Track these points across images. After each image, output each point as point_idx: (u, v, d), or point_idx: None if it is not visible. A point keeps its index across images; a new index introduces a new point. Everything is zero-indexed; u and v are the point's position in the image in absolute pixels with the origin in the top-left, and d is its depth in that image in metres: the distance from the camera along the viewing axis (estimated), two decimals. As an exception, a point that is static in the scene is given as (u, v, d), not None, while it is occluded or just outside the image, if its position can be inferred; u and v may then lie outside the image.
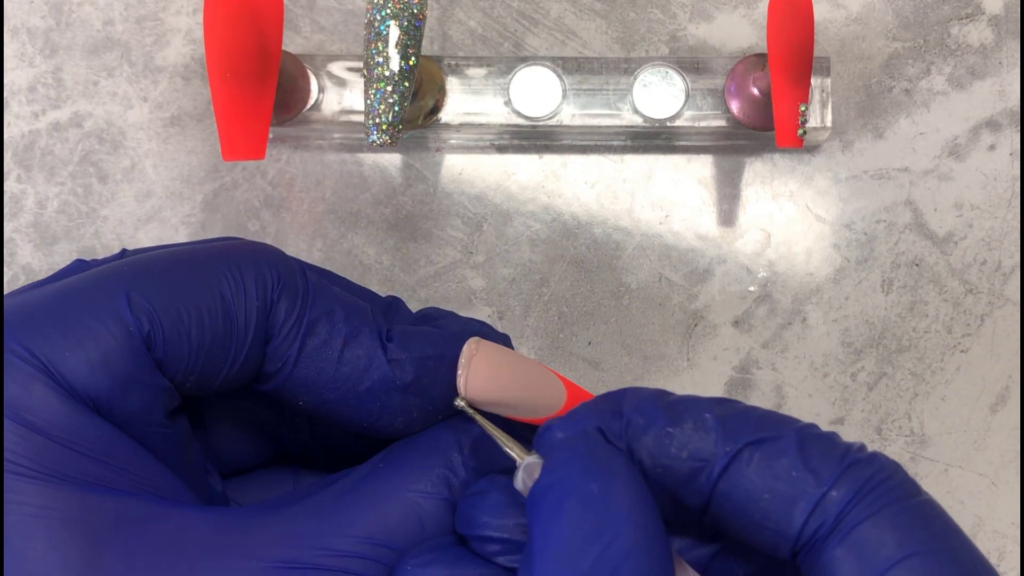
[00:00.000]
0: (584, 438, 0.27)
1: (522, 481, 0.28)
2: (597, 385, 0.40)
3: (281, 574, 0.27)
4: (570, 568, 0.24)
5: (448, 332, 0.31)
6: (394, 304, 0.33)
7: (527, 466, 0.28)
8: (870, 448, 0.26)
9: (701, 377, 0.40)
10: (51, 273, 0.39)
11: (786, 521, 0.25)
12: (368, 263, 0.40)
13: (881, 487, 0.25)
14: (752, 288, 0.40)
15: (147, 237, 0.39)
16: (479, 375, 0.30)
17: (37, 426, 0.26)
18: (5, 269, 0.39)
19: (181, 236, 0.39)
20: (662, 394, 0.28)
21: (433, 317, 0.33)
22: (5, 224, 0.39)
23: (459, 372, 0.30)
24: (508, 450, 0.29)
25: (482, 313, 0.40)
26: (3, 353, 0.26)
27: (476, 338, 0.31)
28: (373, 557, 0.28)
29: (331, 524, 0.28)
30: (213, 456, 0.33)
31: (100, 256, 0.37)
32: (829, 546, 0.25)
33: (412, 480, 0.29)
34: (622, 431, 0.27)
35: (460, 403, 0.30)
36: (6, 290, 0.39)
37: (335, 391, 0.30)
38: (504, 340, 0.34)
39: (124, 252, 0.33)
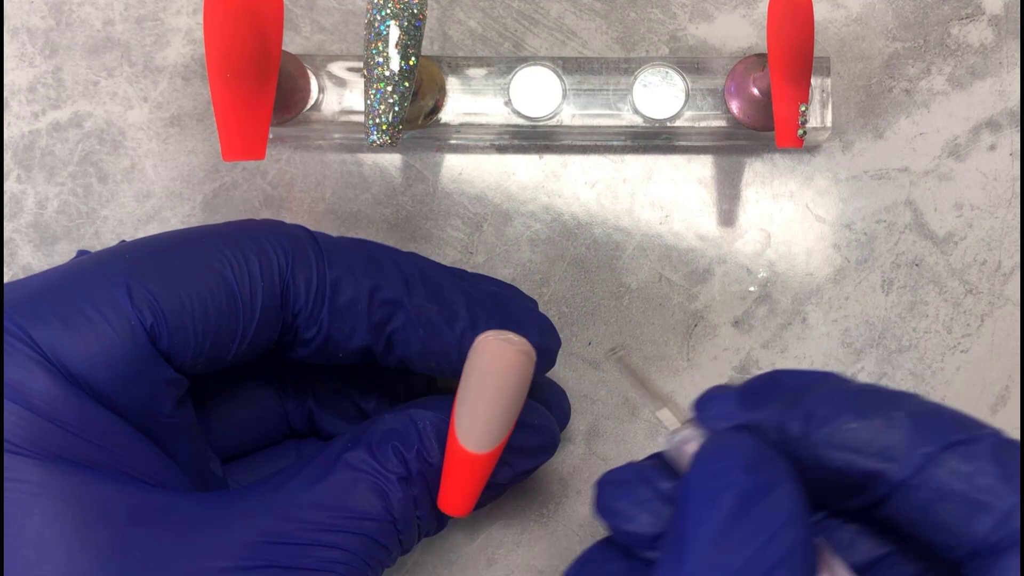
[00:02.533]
0: (751, 431, 0.26)
1: (673, 452, 0.27)
2: (597, 385, 0.40)
3: (261, 548, 0.27)
4: (723, 560, 0.24)
5: (482, 297, 0.32)
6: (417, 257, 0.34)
7: (681, 441, 0.27)
8: None
9: (701, 377, 0.40)
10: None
11: (971, 526, 0.25)
12: (368, 263, 0.40)
13: None
14: (752, 288, 0.40)
15: (147, 237, 0.40)
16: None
17: (39, 409, 0.26)
18: (5, 269, 0.39)
19: (181, 236, 0.40)
20: (844, 382, 0.27)
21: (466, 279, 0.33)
22: (5, 224, 0.39)
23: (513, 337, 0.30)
24: (662, 413, 0.28)
25: (482, 313, 0.40)
26: (3, 340, 0.26)
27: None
28: (345, 529, 0.28)
29: (302, 498, 0.28)
30: (217, 439, 0.33)
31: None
32: (1008, 555, 0.24)
33: (378, 456, 0.30)
34: (800, 419, 0.26)
35: (619, 352, 0.30)
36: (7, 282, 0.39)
37: (370, 340, 0.30)
38: (532, 305, 0.35)
39: (123, 244, 0.33)
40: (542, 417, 0.33)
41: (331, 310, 0.29)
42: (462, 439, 0.29)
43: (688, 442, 0.27)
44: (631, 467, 0.28)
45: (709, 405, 0.27)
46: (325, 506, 0.28)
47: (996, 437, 0.26)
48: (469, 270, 0.40)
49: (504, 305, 0.32)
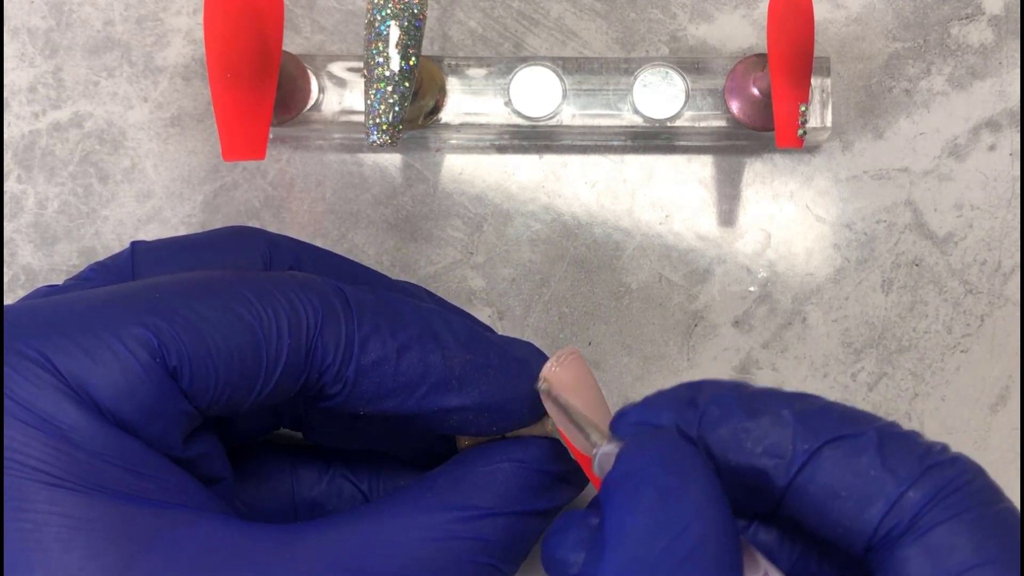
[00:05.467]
0: (661, 430, 0.27)
1: (599, 467, 0.28)
2: (597, 385, 0.40)
3: None
4: (640, 553, 0.24)
5: (513, 351, 0.32)
6: (420, 291, 0.34)
7: (604, 454, 0.28)
8: None
9: (701, 377, 0.40)
10: (51, 273, 0.39)
11: (861, 519, 0.25)
12: (368, 263, 0.40)
13: (962, 491, 0.25)
14: (752, 288, 0.40)
15: (147, 237, 0.39)
16: (569, 371, 0.31)
17: (74, 440, 0.26)
18: (5, 269, 0.39)
19: (181, 236, 0.39)
20: (740, 386, 0.28)
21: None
22: (5, 224, 0.39)
23: (551, 361, 0.31)
24: (588, 432, 0.29)
25: (482, 314, 0.40)
26: (3, 356, 0.26)
27: (574, 348, 0.31)
28: None
29: (365, 550, 0.28)
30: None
31: (102, 257, 0.37)
32: (902, 545, 0.25)
33: (454, 515, 0.30)
34: (696, 422, 0.27)
35: (543, 385, 0.30)
36: (6, 290, 0.39)
37: (394, 399, 0.30)
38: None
39: (133, 246, 0.33)
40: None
41: (357, 369, 0.29)
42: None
43: (611, 454, 0.28)
44: (565, 515, 0.29)
45: (621, 417, 0.28)
46: (390, 559, 0.28)
47: (880, 430, 0.26)
48: (470, 271, 0.40)
49: (515, 343, 0.33)
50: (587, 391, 0.31)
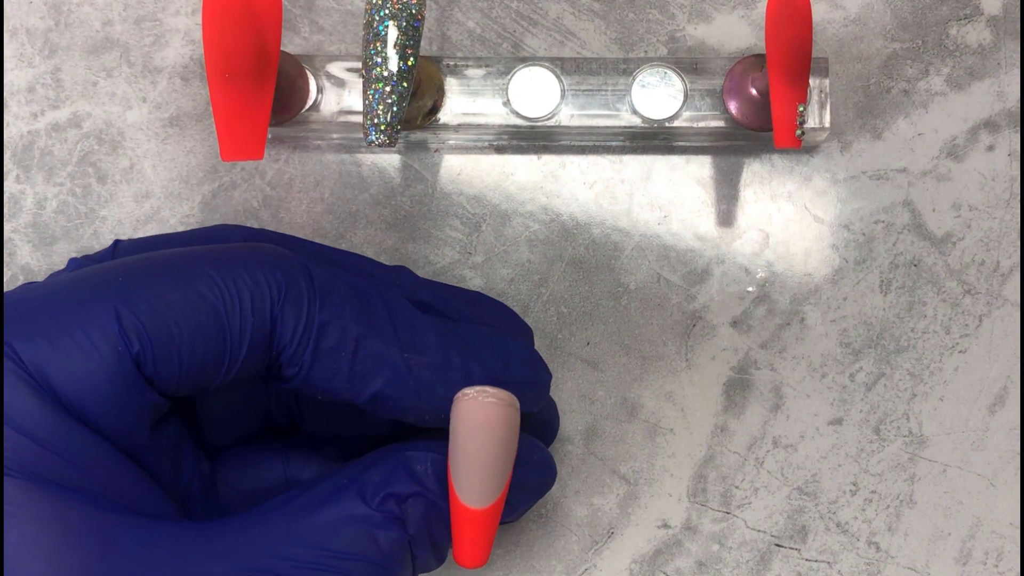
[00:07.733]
0: None
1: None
2: (595, 385, 0.40)
3: None
4: None
5: (480, 344, 0.31)
6: (402, 275, 0.34)
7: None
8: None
9: (700, 377, 0.40)
10: (49, 273, 0.39)
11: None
12: (367, 263, 0.40)
13: None
14: (750, 288, 0.40)
15: (146, 237, 0.40)
16: (481, 413, 0.30)
17: (24, 428, 0.26)
18: (4, 269, 0.39)
19: (180, 236, 0.39)
20: None
21: (450, 301, 0.33)
22: (4, 224, 0.39)
23: (476, 389, 0.30)
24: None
25: (481, 313, 0.40)
26: (3, 354, 0.26)
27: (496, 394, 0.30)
28: (329, 568, 0.28)
29: (288, 533, 0.28)
30: (201, 432, 0.33)
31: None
32: None
33: (370, 496, 0.29)
34: None
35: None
36: (5, 290, 0.39)
37: (350, 390, 0.30)
38: (524, 335, 0.35)
39: (117, 243, 0.33)
40: (537, 451, 0.33)
41: (314, 352, 0.29)
42: (463, 498, 0.29)
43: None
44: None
45: None
46: (310, 544, 0.28)
47: None
48: (468, 271, 0.40)
49: (496, 346, 0.32)
50: (488, 446, 0.30)
